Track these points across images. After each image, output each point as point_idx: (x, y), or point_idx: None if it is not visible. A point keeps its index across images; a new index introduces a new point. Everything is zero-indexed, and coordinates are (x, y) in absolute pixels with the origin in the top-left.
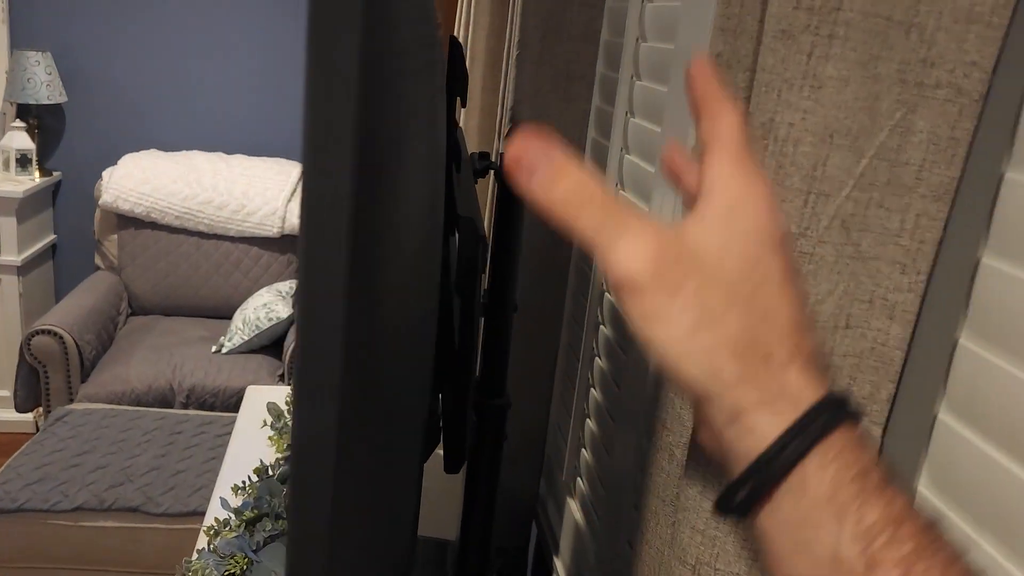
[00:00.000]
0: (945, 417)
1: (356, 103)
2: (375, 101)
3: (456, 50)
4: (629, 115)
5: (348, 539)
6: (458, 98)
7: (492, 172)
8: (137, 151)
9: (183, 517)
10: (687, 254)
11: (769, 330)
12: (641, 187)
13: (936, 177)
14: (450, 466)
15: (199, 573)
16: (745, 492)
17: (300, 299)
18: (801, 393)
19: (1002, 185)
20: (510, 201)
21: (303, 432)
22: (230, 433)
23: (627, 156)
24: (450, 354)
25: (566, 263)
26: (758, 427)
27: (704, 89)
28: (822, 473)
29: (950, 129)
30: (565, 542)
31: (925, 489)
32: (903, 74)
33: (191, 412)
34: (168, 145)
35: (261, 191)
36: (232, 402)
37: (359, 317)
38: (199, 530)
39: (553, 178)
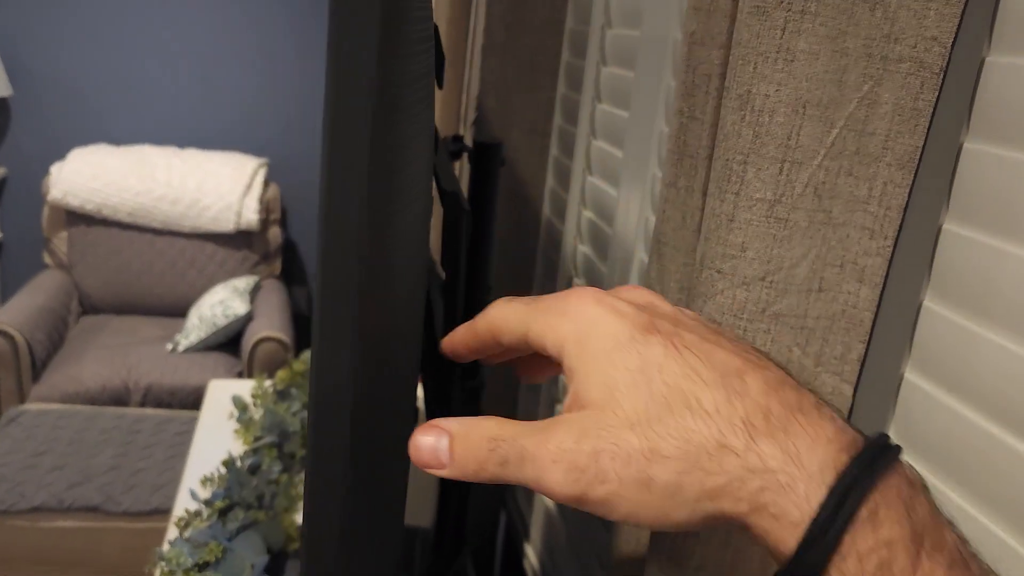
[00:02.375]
0: (911, 376)
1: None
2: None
3: (435, 33)
4: (596, 101)
5: (362, 490)
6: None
7: (465, 155)
8: (86, 145)
9: (145, 516)
10: (591, 432)
11: (700, 425)
12: (609, 172)
13: (901, 147)
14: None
15: (173, 561)
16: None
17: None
18: (802, 458)
19: (961, 154)
20: (483, 183)
21: (322, 376)
22: (190, 431)
23: (595, 142)
24: (431, 334)
25: (533, 250)
26: (778, 517)
27: (469, 341)
28: (875, 535)
29: (913, 101)
30: (535, 528)
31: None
32: (869, 48)
33: (149, 411)
34: (118, 139)
35: (216, 186)
36: (190, 400)
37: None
38: (162, 528)
39: (452, 458)
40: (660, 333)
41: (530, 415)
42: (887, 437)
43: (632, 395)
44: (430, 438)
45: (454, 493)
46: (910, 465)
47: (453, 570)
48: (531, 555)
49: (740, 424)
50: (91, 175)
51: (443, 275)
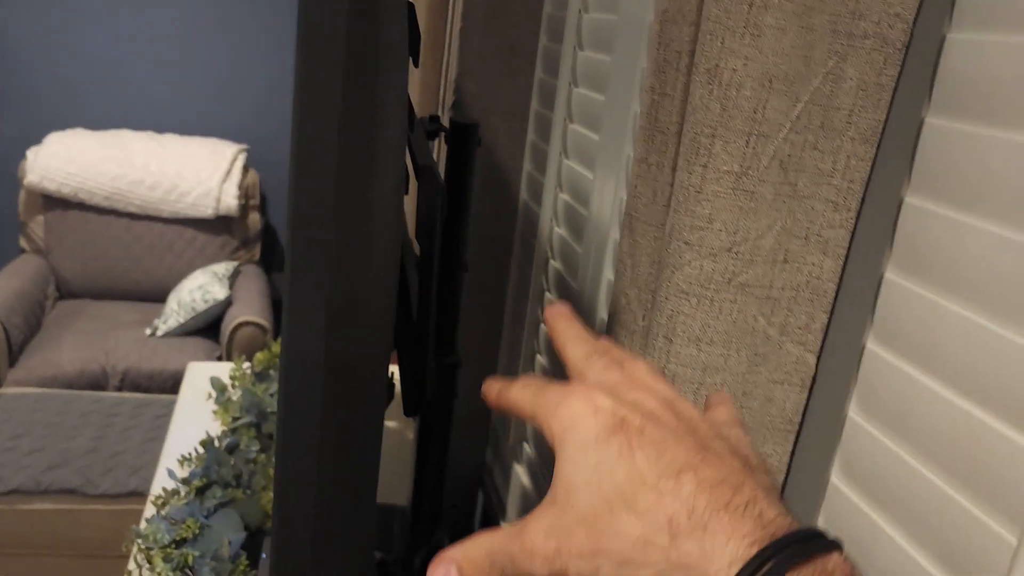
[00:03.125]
0: (872, 346)
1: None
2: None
3: (411, 11)
4: (572, 86)
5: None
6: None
7: (442, 136)
8: (63, 130)
9: (123, 498)
10: (553, 530)
11: (633, 524)
12: (585, 156)
13: (864, 121)
14: (410, 408)
15: (150, 537)
16: None
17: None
18: (715, 554)
19: (923, 129)
20: (459, 163)
21: (293, 345)
22: (168, 415)
23: (571, 126)
24: (406, 310)
25: (511, 233)
26: None
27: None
28: None
29: (876, 76)
30: (512, 506)
31: (854, 413)
32: (834, 24)
33: (127, 395)
34: (95, 123)
35: (195, 171)
36: (168, 385)
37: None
38: (141, 511)
39: None
40: (623, 432)
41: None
42: (815, 531)
43: (585, 494)
44: (441, 571)
45: (431, 471)
46: (843, 558)
47: (430, 546)
48: None
49: (665, 523)
50: (68, 159)
51: (418, 251)
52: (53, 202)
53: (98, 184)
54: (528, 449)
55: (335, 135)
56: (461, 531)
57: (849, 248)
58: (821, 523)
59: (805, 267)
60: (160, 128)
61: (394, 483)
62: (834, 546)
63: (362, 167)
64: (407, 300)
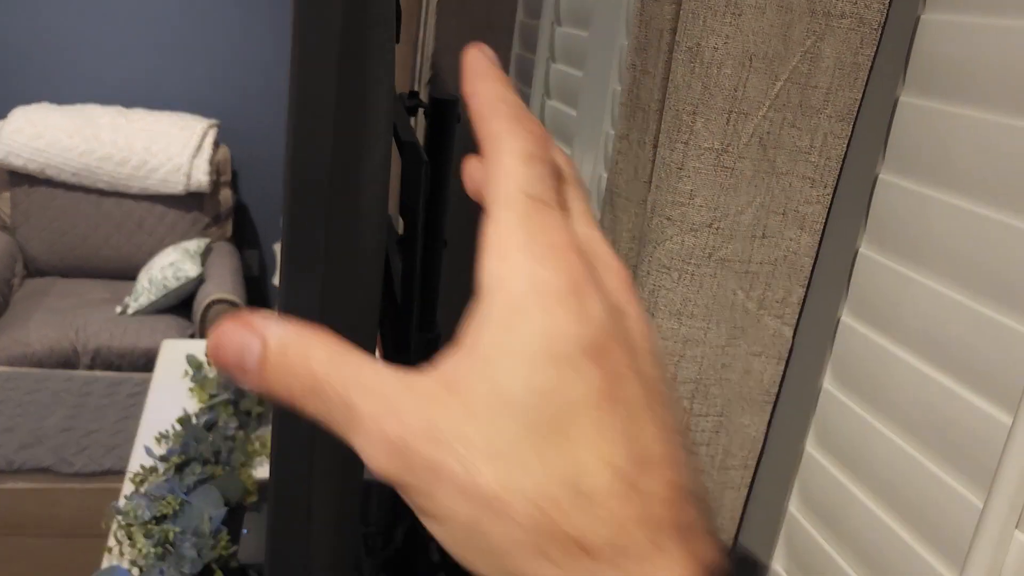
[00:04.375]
0: (847, 319)
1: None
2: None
3: None
4: (550, 61)
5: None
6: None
7: (421, 112)
8: (28, 104)
9: (98, 476)
10: (443, 432)
11: (571, 510)
12: (563, 132)
13: (841, 100)
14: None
15: (131, 514)
16: None
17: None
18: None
19: (897, 108)
20: (439, 139)
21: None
22: (142, 393)
23: (549, 102)
24: (388, 288)
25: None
26: None
27: (483, 96)
28: None
29: (853, 55)
30: None
31: (829, 384)
32: (812, 4)
33: (99, 373)
34: (62, 98)
35: (164, 147)
36: (141, 363)
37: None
38: (117, 489)
39: (260, 371)
40: (603, 369)
41: None
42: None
43: (515, 420)
44: (240, 335)
45: None
46: None
47: (406, 521)
48: None
49: (617, 529)
50: (34, 134)
51: (399, 230)
52: (19, 178)
53: (66, 160)
54: None
55: (332, 112)
56: None
57: (825, 224)
58: (796, 491)
59: (783, 242)
60: (128, 103)
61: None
62: None
63: (355, 144)
64: (389, 277)
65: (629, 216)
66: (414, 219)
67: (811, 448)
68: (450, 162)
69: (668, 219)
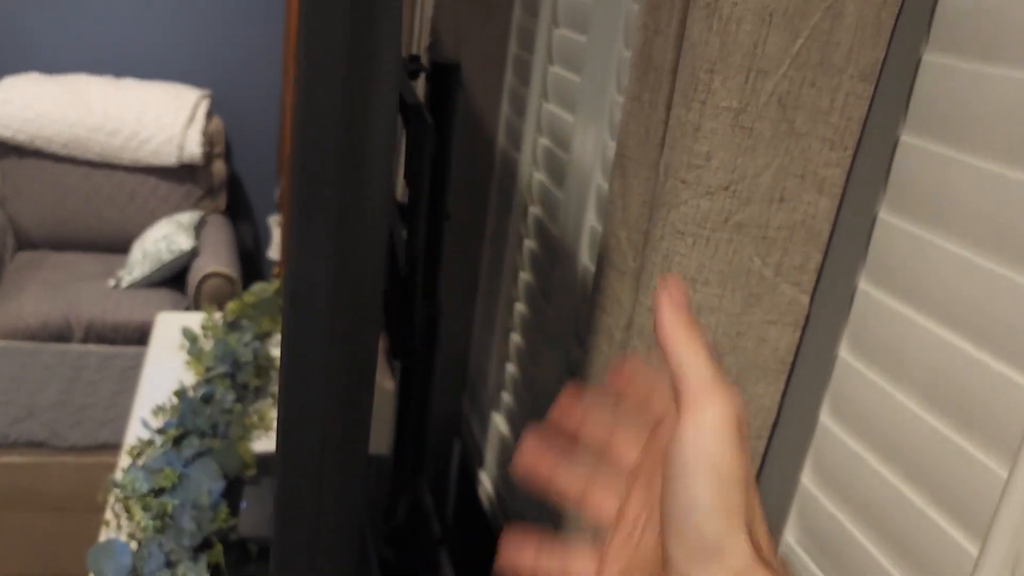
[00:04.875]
0: (865, 286)
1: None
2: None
3: None
4: (553, 26)
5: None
6: None
7: (423, 76)
8: (17, 74)
9: (92, 451)
10: None
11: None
12: (566, 99)
13: (863, 58)
14: (397, 352)
15: (128, 487)
16: None
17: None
18: None
19: (920, 67)
20: (442, 104)
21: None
22: (136, 367)
23: (552, 68)
24: (392, 261)
25: (487, 181)
26: None
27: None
28: None
29: (876, 12)
30: (490, 455)
31: (845, 353)
32: None
33: (93, 347)
34: (51, 68)
35: (156, 117)
36: (135, 337)
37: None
38: (111, 463)
39: None
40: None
41: (485, 348)
42: None
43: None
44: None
45: (412, 418)
46: None
47: (408, 495)
48: (486, 482)
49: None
50: (23, 105)
51: (401, 202)
52: (8, 149)
53: (56, 131)
54: (507, 397)
55: (340, 74)
56: (440, 478)
57: (845, 187)
58: (810, 462)
59: (801, 206)
60: (119, 72)
61: (373, 432)
62: None
63: (363, 108)
64: (393, 248)
65: (640, 180)
66: (418, 185)
67: (826, 419)
68: (453, 128)
69: (683, 182)
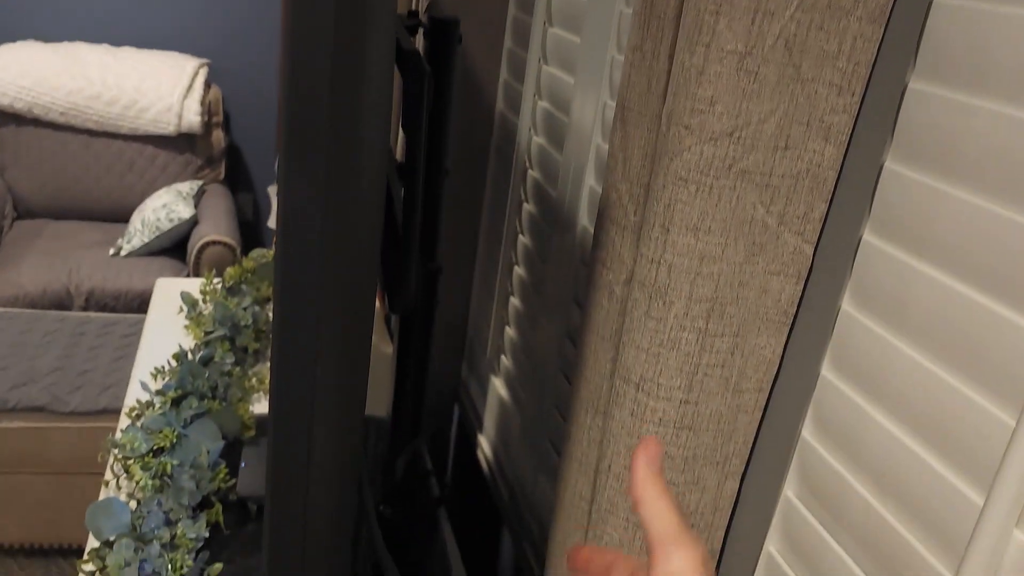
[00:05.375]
0: (870, 237)
1: None
2: None
3: None
4: None
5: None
6: None
7: (421, 31)
8: (13, 42)
9: (93, 416)
10: None
11: None
12: (565, 61)
13: (872, 0)
14: (395, 306)
15: (128, 446)
16: None
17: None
18: None
19: (931, 9)
20: (440, 59)
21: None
22: (136, 334)
23: (551, 29)
24: (390, 218)
25: (486, 145)
26: None
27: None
28: None
29: None
30: (489, 418)
31: (848, 306)
32: None
33: (93, 314)
34: (47, 36)
35: (154, 86)
36: (135, 304)
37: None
38: (112, 428)
39: None
40: None
41: (484, 313)
42: None
43: None
44: None
45: (409, 382)
46: None
47: (407, 454)
48: (484, 445)
49: None
50: (20, 72)
51: (399, 158)
52: (6, 118)
53: (53, 99)
54: (505, 362)
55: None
56: (439, 442)
57: (851, 135)
58: (811, 416)
59: (806, 154)
60: (116, 41)
61: (370, 395)
62: None
63: (357, 54)
64: (390, 206)
65: (641, 132)
66: (415, 139)
67: (827, 372)
68: (452, 84)
69: (686, 128)
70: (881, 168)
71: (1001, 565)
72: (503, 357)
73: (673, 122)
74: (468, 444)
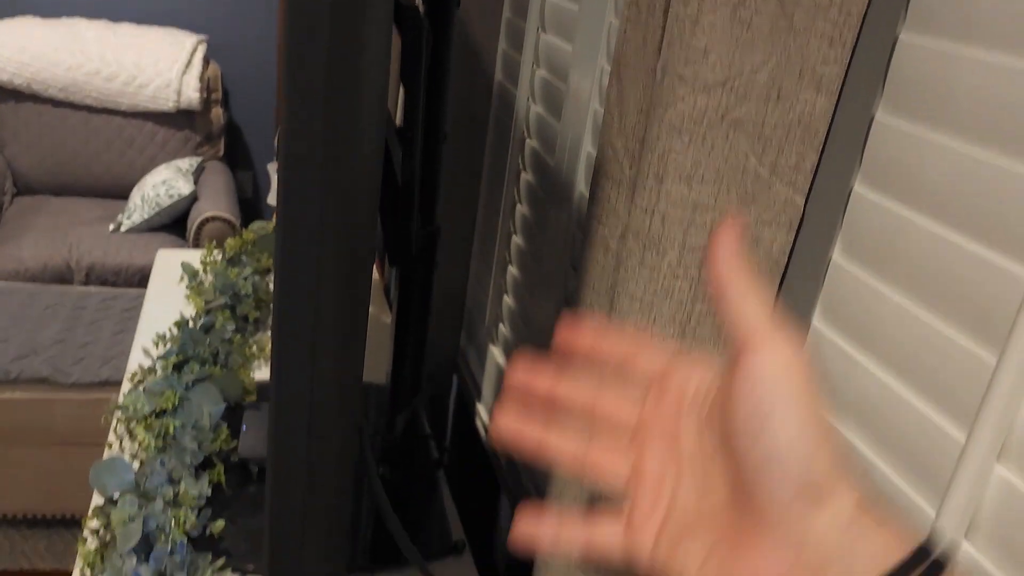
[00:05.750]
0: (860, 188)
1: None
2: None
3: None
4: None
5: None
6: None
7: None
8: (12, 17)
9: (95, 387)
10: None
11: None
12: (564, 29)
13: None
14: (395, 259)
15: (131, 408)
16: None
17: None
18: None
19: None
20: (437, 24)
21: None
22: (137, 308)
23: None
24: (390, 178)
25: (485, 116)
26: (874, 543)
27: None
28: None
29: None
30: (487, 386)
31: (839, 257)
32: None
33: (93, 288)
34: (45, 11)
35: (153, 62)
36: (135, 280)
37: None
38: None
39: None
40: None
41: (482, 283)
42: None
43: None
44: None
45: (408, 347)
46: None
47: (406, 414)
48: (483, 413)
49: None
50: (18, 48)
51: (398, 121)
52: (6, 94)
53: (53, 75)
54: (503, 330)
55: None
56: (438, 412)
57: (842, 86)
58: None
59: (798, 105)
60: (115, 16)
61: (369, 363)
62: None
63: (354, 15)
64: (390, 169)
65: (637, 88)
66: (414, 97)
67: (818, 322)
68: (450, 45)
69: (680, 78)
70: (872, 119)
71: (983, 498)
72: (501, 326)
73: (667, 73)
74: (467, 414)
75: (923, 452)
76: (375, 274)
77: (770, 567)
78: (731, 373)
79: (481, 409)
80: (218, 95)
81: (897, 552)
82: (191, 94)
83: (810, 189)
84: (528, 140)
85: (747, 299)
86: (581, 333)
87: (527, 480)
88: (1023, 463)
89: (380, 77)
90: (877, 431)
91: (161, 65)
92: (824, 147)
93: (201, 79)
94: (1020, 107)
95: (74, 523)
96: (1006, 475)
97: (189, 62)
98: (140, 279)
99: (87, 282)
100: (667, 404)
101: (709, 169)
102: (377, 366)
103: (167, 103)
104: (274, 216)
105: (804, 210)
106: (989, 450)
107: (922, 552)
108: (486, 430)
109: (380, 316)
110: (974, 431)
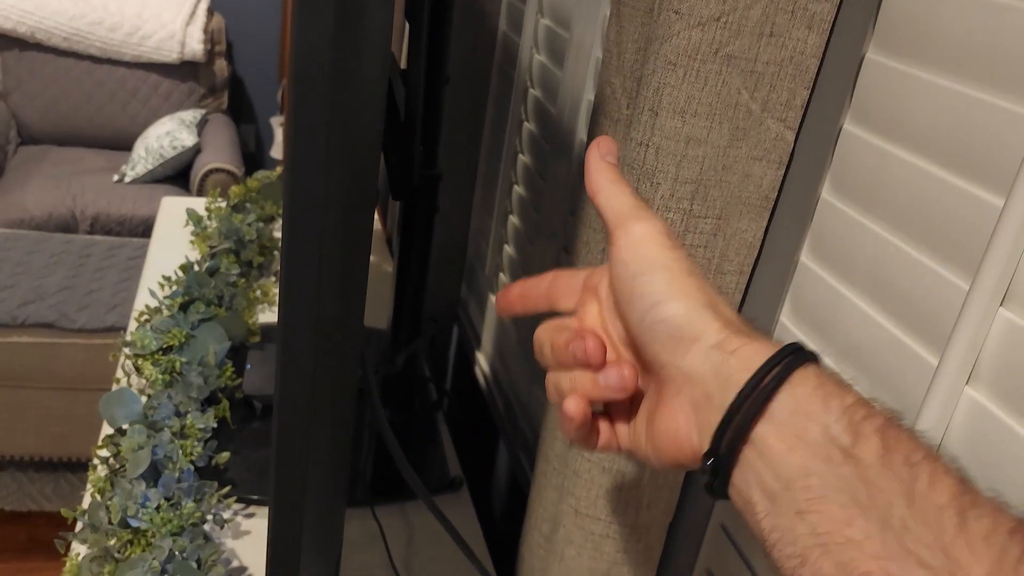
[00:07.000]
0: (850, 126)
1: None
2: None
3: None
4: None
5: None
6: None
7: None
8: None
9: (101, 333)
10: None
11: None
12: (562, 5)
13: None
14: (398, 193)
15: (138, 344)
16: (750, 402)
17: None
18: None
19: None
20: None
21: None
22: (142, 256)
23: None
24: (394, 117)
25: (488, 67)
26: (744, 354)
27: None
28: (805, 373)
29: None
30: (487, 335)
31: (827, 194)
32: None
33: (98, 237)
34: None
35: (157, 13)
36: (139, 230)
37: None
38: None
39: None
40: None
41: (483, 233)
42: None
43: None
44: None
45: (409, 290)
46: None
47: (407, 352)
48: (482, 361)
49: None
50: None
51: (401, 64)
52: (9, 42)
53: (56, 23)
54: (504, 278)
55: None
56: (438, 357)
57: (833, 25)
58: (789, 300)
59: (790, 42)
60: None
61: (372, 310)
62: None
63: None
64: (393, 111)
65: (635, 26)
66: (418, 39)
67: (806, 258)
68: None
69: (676, 12)
70: (863, 58)
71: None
72: (501, 274)
73: (663, 8)
74: (466, 364)
75: (900, 375)
76: (378, 224)
77: (678, 416)
78: (610, 256)
79: (480, 357)
80: (222, 47)
81: (769, 351)
82: (195, 46)
83: (800, 126)
84: (531, 89)
85: (616, 193)
86: (509, 296)
87: (523, 423)
88: None
89: (385, 8)
90: (863, 369)
91: (165, 16)
92: (815, 85)
93: (205, 30)
94: (1007, 44)
95: (80, 466)
96: (1009, 316)
97: (193, 13)
98: (144, 230)
99: (91, 232)
100: (591, 311)
101: (702, 103)
102: (379, 314)
103: (171, 54)
104: (276, 167)
105: (794, 146)
106: (959, 372)
107: (793, 346)
108: (485, 379)
109: (382, 265)
110: (945, 354)
